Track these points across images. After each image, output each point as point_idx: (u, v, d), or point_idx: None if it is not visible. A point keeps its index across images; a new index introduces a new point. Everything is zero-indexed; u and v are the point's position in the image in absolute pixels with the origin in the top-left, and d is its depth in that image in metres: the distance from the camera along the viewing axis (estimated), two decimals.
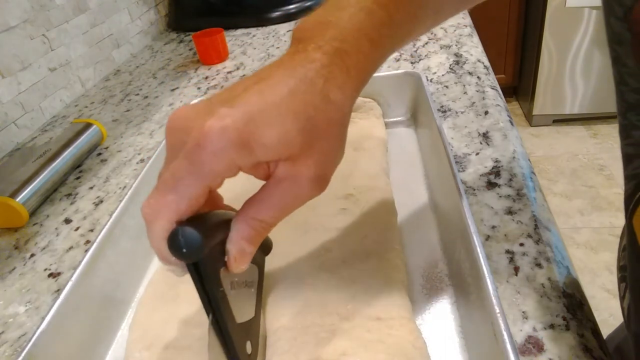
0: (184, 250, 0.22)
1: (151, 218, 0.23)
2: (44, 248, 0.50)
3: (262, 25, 1.08)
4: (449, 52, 0.75)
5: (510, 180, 0.45)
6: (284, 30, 1.03)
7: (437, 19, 0.34)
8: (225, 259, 0.25)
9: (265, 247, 0.33)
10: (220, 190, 0.27)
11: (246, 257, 0.25)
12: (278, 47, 0.94)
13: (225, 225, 0.24)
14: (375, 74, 0.63)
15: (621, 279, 0.36)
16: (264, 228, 0.25)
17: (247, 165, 0.23)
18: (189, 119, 0.23)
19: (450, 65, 0.70)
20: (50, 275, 0.46)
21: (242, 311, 0.27)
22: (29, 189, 0.55)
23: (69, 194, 0.59)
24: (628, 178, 0.31)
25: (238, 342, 0.26)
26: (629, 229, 0.31)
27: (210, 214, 0.24)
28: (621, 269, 0.37)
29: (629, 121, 0.29)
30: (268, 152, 0.23)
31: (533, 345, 0.31)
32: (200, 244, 0.22)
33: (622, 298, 0.36)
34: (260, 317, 0.32)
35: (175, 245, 0.22)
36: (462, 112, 0.58)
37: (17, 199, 0.53)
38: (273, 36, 1.01)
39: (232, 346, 0.25)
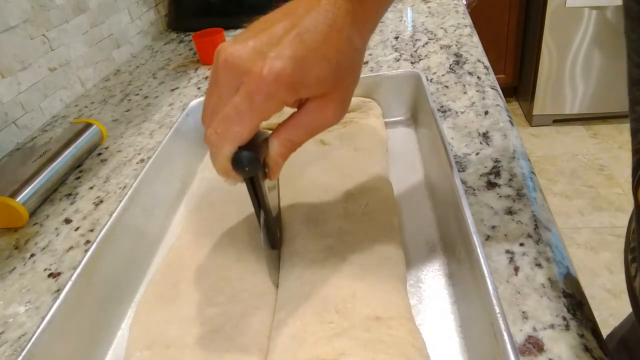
0: (247, 168, 0.29)
1: (219, 144, 0.28)
2: (44, 248, 0.50)
3: None
4: (449, 52, 0.75)
5: (510, 180, 0.45)
6: None
7: None
8: (266, 170, 0.32)
9: None
10: None
11: (280, 168, 0.32)
12: None
13: (264, 144, 0.30)
14: (375, 74, 0.63)
15: (632, 260, 0.37)
16: (294, 147, 0.31)
17: (291, 102, 0.29)
18: (244, 60, 0.27)
19: (450, 65, 0.70)
20: (50, 275, 0.46)
21: (273, 208, 0.36)
22: (29, 189, 0.55)
23: (69, 194, 0.59)
24: (633, 152, 0.31)
25: (275, 230, 0.37)
26: (635, 202, 0.32)
27: (255, 136, 0.29)
28: (632, 250, 0.37)
29: (634, 96, 0.29)
30: (309, 92, 0.28)
31: (533, 345, 0.31)
32: (257, 163, 0.29)
33: (632, 278, 0.36)
34: (280, 212, 0.42)
35: (240, 165, 0.29)
36: (462, 112, 0.58)
37: (17, 199, 0.53)
38: None
39: (273, 234, 0.37)
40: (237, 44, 0.27)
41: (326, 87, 0.28)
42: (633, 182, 0.32)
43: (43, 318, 0.34)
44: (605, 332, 0.35)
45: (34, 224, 0.54)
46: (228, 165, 0.29)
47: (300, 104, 0.30)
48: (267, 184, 0.33)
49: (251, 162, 0.29)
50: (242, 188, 0.33)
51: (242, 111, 0.27)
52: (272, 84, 0.26)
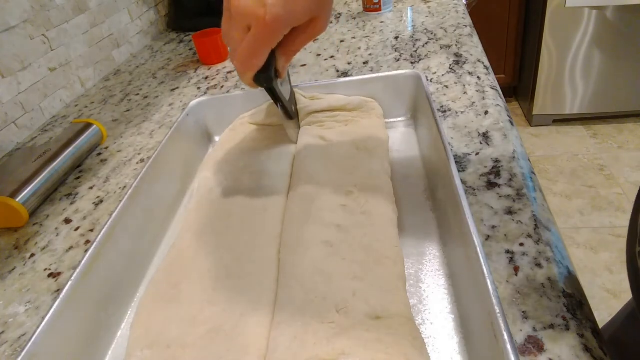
0: (265, 84, 0.43)
1: (244, 71, 0.40)
2: (44, 248, 0.50)
3: None
4: (449, 52, 0.75)
5: (510, 180, 0.45)
6: None
7: None
8: (277, 73, 0.44)
9: None
10: None
11: (286, 70, 0.45)
12: None
13: (273, 55, 0.40)
14: (375, 74, 0.63)
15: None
16: (294, 54, 0.42)
17: (287, 32, 0.38)
18: (249, 7, 0.35)
19: (450, 65, 0.70)
20: (50, 275, 0.46)
21: (285, 93, 0.50)
22: (29, 189, 0.55)
23: (69, 194, 0.59)
24: None
25: (289, 108, 0.53)
26: None
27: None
28: None
29: None
30: (299, 22, 0.37)
31: (533, 345, 0.31)
32: (270, 80, 0.42)
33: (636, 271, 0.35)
34: (294, 95, 0.58)
35: (259, 82, 0.42)
36: (462, 112, 0.58)
37: (17, 199, 0.53)
38: None
39: (288, 111, 0.53)
40: None
41: (312, 15, 0.38)
42: None
43: (43, 318, 0.34)
44: None
45: (34, 224, 0.54)
46: (252, 82, 0.42)
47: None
48: (279, 81, 0.46)
49: (266, 80, 0.42)
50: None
51: (256, 48, 0.37)
52: (273, 25, 0.35)
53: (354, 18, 1.01)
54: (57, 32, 0.83)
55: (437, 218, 0.44)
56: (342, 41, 0.89)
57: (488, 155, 0.49)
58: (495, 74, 0.67)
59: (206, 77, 0.86)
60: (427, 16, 0.94)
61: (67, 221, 0.54)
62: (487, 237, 0.39)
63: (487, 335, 0.29)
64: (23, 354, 0.32)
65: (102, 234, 0.41)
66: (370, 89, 0.61)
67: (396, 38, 0.86)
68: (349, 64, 0.78)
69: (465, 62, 0.70)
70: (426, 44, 0.80)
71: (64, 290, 0.36)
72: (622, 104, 2.04)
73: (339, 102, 0.60)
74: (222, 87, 0.80)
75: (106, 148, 0.68)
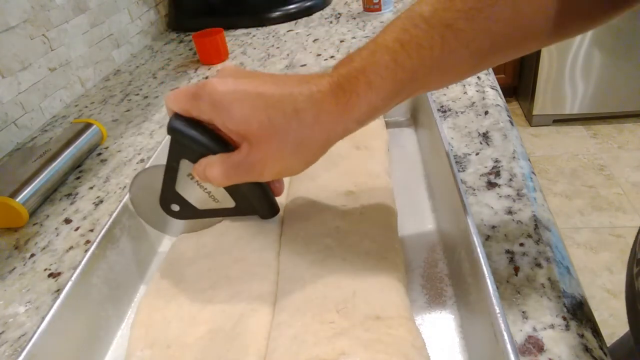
0: None
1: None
2: (44, 248, 0.50)
3: (262, 25, 1.09)
4: None
5: (510, 180, 0.45)
6: (284, 30, 1.03)
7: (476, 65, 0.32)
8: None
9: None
10: None
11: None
12: (278, 47, 0.94)
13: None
14: None
15: None
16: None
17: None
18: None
19: None
20: (50, 275, 0.46)
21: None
22: (29, 189, 0.55)
23: (69, 194, 0.59)
24: None
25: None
26: None
27: None
28: (639, 262, 0.36)
29: None
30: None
31: (533, 345, 0.31)
32: None
33: (639, 294, 0.35)
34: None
35: None
36: (462, 112, 0.58)
37: (17, 199, 0.53)
38: (273, 36, 1.01)
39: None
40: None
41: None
42: None
43: (43, 318, 0.34)
44: (605, 332, 0.35)
45: (34, 224, 0.54)
46: None
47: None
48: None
49: None
50: None
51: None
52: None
53: (354, 18, 1.01)
54: (57, 32, 0.83)
55: (437, 218, 0.44)
56: (342, 41, 0.89)
57: (488, 155, 0.49)
58: (495, 74, 0.67)
59: (206, 77, 0.86)
60: None
61: (67, 221, 0.54)
62: (487, 237, 0.39)
63: (487, 335, 0.28)
64: (23, 354, 0.32)
65: (102, 234, 0.41)
66: None
67: None
68: None
69: None
70: None
71: (64, 290, 0.36)
72: (622, 104, 2.04)
73: None
74: None
75: (106, 148, 0.68)
